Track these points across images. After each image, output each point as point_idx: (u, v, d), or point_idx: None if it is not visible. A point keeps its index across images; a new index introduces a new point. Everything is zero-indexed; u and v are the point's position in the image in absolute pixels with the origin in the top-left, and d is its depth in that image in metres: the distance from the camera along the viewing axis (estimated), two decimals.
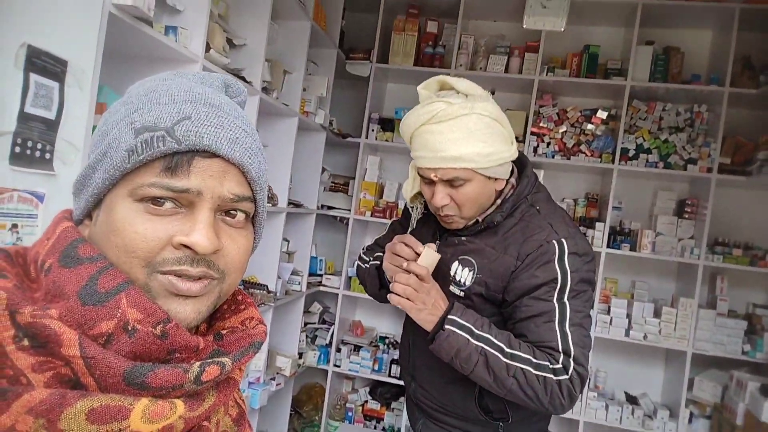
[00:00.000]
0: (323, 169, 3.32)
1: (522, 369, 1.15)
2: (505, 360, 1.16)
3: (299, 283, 3.15)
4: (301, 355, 3.29)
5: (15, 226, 1.29)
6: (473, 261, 1.28)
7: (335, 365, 3.38)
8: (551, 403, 1.15)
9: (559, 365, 1.16)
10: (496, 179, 1.24)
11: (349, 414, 3.48)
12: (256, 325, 0.59)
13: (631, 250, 3.02)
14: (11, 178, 1.26)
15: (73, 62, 1.35)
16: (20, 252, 0.54)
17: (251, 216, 0.58)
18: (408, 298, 1.20)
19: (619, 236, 3.07)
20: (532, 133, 3.18)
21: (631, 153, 3.06)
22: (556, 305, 1.18)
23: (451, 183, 1.20)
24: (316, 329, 3.54)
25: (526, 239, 1.23)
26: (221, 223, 0.54)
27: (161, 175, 0.50)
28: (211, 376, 0.48)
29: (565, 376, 1.15)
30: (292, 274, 3.10)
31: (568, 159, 3.14)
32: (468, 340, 1.17)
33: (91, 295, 0.47)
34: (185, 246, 0.50)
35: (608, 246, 3.02)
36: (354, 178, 3.45)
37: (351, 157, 3.57)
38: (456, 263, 1.30)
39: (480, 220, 1.27)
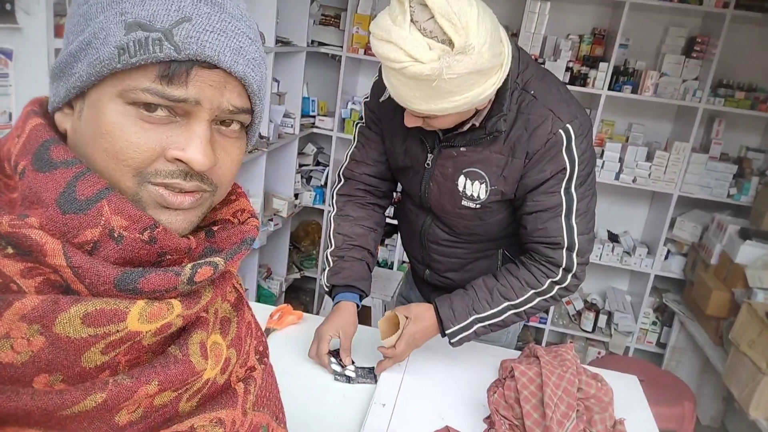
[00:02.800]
0: (311, 0, 3.06)
1: (531, 306, 1.23)
2: (513, 311, 1.23)
3: (292, 126, 3.10)
4: (297, 195, 3.36)
5: None
6: (482, 173, 1.18)
7: (330, 205, 3.46)
8: (565, 297, 1.26)
9: (560, 274, 1.20)
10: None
11: None
12: (248, 219, 0.58)
13: (632, 92, 2.93)
14: None
15: None
16: None
17: (246, 124, 0.55)
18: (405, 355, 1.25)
19: (622, 77, 2.96)
20: None
21: None
22: (563, 198, 1.16)
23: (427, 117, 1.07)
24: (311, 171, 3.57)
25: (531, 135, 1.13)
26: (215, 134, 0.51)
27: (156, 81, 0.46)
28: (203, 277, 0.48)
29: (568, 279, 1.21)
30: (284, 116, 3.03)
31: None
32: (475, 331, 1.24)
33: (71, 203, 0.45)
34: (179, 160, 0.48)
35: (609, 88, 2.92)
36: (346, 10, 3.20)
37: None
38: (462, 178, 1.20)
39: (477, 124, 1.13)
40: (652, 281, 3.10)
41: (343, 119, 3.34)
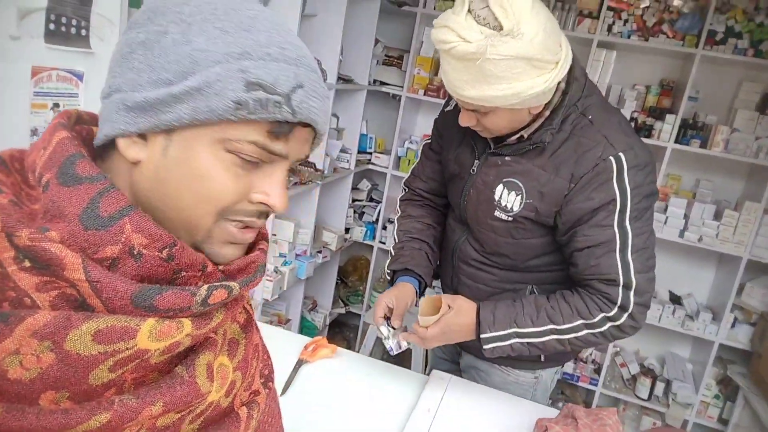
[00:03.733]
0: (376, 41, 3.14)
1: (577, 337, 1.16)
2: (556, 337, 1.17)
3: (348, 161, 3.14)
4: (348, 230, 3.38)
5: (57, 105, 1.29)
6: (520, 184, 1.17)
7: (380, 242, 3.46)
8: (618, 339, 1.18)
9: (615, 311, 1.14)
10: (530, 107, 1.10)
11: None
12: (259, 241, 0.60)
13: (701, 146, 2.80)
14: (48, 57, 1.23)
15: None
16: (16, 156, 0.52)
17: None
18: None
19: (690, 130, 2.84)
20: (609, 8, 2.85)
21: (719, 36, 2.72)
22: (617, 232, 1.10)
23: (475, 109, 1.09)
24: (364, 206, 3.59)
25: (580, 158, 1.11)
26: None
27: (265, 136, 0.50)
28: (218, 300, 0.49)
29: (624, 318, 1.14)
30: (340, 151, 3.08)
31: (646, 40, 2.83)
32: (511, 346, 1.19)
33: (93, 219, 0.45)
34: (262, 202, 0.52)
35: (676, 141, 2.81)
36: (409, 52, 3.26)
37: (407, 27, 3.34)
38: (500, 186, 1.20)
39: (525, 136, 1.14)
40: (716, 350, 2.88)
41: (399, 157, 3.36)
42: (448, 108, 1.33)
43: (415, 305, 1.34)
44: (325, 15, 2.59)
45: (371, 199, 3.63)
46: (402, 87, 3.27)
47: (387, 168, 3.36)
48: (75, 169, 0.47)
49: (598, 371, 3.15)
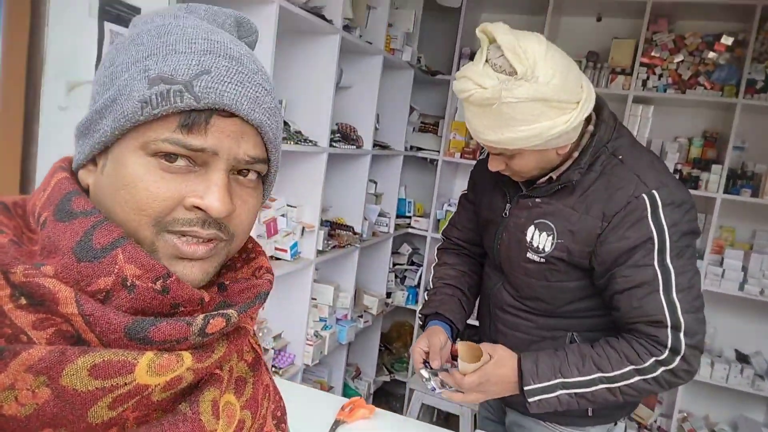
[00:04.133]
0: (412, 109, 3.23)
1: (628, 384, 1.10)
2: (606, 386, 1.10)
3: (386, 225, 3.16)
4: (389, 294, 3.34)
5: None
6: (551, 225, 1.16)
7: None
8: (673, 386, 1.11)
9: (666, 354, 1.07)
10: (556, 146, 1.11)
11: None
12: (264, 274, 0.58)
13: (752, 195, 2.69)
14: None
15: (147, 9, 1.36)
16: (19, 203, 0.53)
17: (263, 174, 0.56)
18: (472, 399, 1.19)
19: (739, 180, 2.74)
20: (642, 65, 2.86)
21: (759, 85, 2.67)
22: (658, 270, 1.06)
23: (501, 153, 1.12)
24: (405, 270, 3.56)
25: (611, 196, 1.09)
26: (233, 183, 0.52)
27: (177, 131, 0.47)
28: (215, 329, 0.47)
29: (676, 361, 1.07)
30: (379, 215, 3.11)
31: (683, 93, 2.81)
32: (558, 398, 1.12)
33: (87, 251, 0.45)
34: (197, 207, 0.49)
35: (725, 191, 2.71)
36: (444, 118, 3.33)
37: (441, 95, 3.43)
38: (532, 228, 1.19)
39: (554, 177, 1.15)
40: None
41: (438, 220, 3.36)
42: (482, 156, 1.38)
43: (453, 355, 1.29)
44: (360, 86, 2.70)
45: (412, 263, 3.61)
46: (438, 151, 3.32)
47: (426, 231, 3.36)
48: (71, 205, 0.48)
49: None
